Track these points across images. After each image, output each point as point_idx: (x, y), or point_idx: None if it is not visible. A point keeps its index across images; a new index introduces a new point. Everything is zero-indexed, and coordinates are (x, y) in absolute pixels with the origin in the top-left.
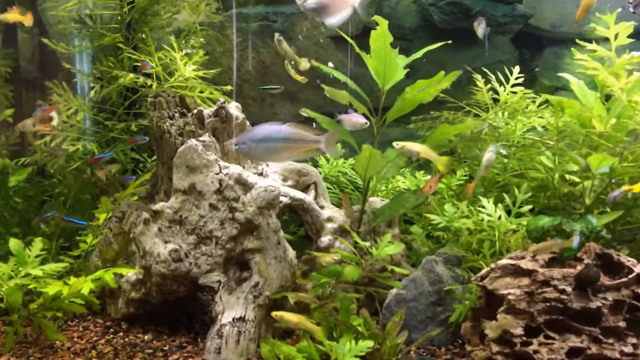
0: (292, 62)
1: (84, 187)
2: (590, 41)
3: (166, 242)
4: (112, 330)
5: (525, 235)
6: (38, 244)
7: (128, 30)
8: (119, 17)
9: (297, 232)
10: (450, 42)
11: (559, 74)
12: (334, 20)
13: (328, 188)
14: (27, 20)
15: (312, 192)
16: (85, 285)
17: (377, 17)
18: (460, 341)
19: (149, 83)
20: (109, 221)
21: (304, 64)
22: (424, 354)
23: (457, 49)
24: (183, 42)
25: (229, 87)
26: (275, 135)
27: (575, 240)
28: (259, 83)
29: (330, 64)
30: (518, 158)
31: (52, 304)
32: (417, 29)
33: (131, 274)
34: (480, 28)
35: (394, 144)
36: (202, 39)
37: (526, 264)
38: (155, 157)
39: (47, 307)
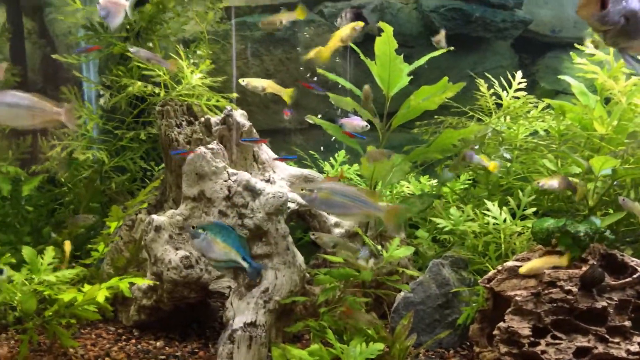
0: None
1: (94, 195)
2: None
3: (177, 249)
4: (124, 337)
5: (530, 237)
6: (50, 252)
7: (137, 39)
8: (128, 26)
9: (303, 238)
10: (453, 48)
11: (559, 77)
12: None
13: None
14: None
15: None
16: (100, 292)
17: (382, 24)
18: (468, 343)
19: (157, 91)
20: (120, 229)
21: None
22: (433, 356)
23: (458, 54)
24: (192, 51)
25: (234, 95)
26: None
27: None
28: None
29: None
30: (521, 162)
31: (67, 310)
32: (418, 36)
33: None
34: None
35: (240, 80)
36: (210, 51)
37: None
38: (163, 165)
39: (62, 314)
